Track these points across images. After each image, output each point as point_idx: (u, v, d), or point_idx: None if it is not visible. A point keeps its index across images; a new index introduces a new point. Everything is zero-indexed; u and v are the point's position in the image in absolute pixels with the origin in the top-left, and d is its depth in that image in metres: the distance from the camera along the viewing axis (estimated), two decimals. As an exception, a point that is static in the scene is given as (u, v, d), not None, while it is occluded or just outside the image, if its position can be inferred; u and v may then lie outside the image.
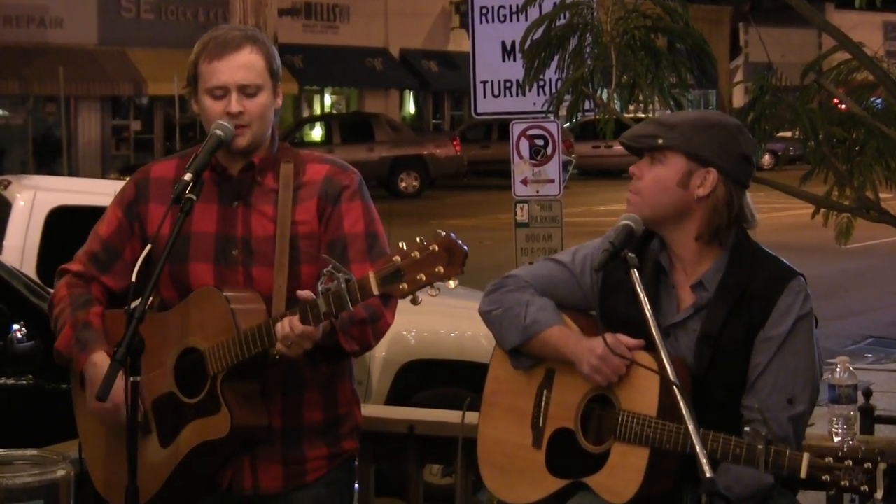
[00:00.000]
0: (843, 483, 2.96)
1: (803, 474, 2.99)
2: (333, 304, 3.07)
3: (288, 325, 3.13)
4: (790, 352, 3.23)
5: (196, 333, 3.32)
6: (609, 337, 3.22)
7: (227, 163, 3.39)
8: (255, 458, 3.39)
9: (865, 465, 2.94)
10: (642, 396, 3.21)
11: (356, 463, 3.66)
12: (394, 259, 2.97)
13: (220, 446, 3.30)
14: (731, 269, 3.28)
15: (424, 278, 2.94)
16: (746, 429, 3.10)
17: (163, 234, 3.27)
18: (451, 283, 2.97)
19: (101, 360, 3.35)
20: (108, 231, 3.51)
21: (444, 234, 2.97)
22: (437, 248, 2.94)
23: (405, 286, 2.96)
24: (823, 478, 2.97)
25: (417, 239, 2.97)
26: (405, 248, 2.97)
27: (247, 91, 3.33)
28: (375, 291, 3.00)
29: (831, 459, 2.98)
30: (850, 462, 2.95)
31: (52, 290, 5.38)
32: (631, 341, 3.24)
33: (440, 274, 2.94)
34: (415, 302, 2.99)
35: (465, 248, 2.97)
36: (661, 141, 3.26)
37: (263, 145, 3.41)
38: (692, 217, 3.28)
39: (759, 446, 3.02)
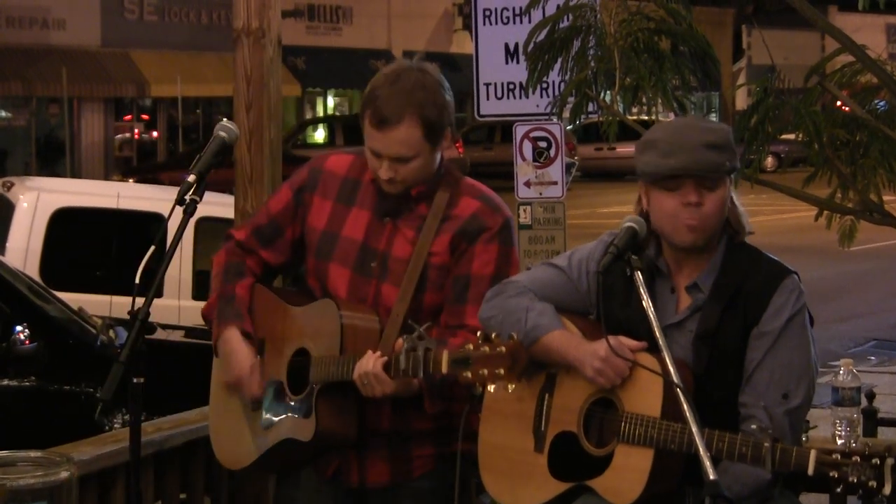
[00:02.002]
0: (850, 479, 2.96)
1: (811, 471, 2.99)
2: (411, 367, 3.18)
3: (370, 364, 3.25)
4: (784, 347, 3.25)
5: (311, 339, 3.45)
6: (612, 339, 3.23)
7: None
8: (363, 453, 3.49)
9: (873, 461, 2.94)
10: (645, 398, 3.21)
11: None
12: (467, 347, 3.08)
13: (304, 447, 3.43)
14: (726, 269, 3.31)
15: (486, 374, 3.05)
16: (753, 426, 3.11)
17: (315, 227, 3.51)
18: (509, 388, 3.10)
19: (231, 336, 3.51)
20: (277, 208, 3.62)
21: (515, 338, 3.07)
22: (504, 350, 3.04)
23: (469, 374, 3.07)
24: (831, 474, 2.97)
25: (493, 335, 3.07)
26: (481, 339, 3.07)
27: (400, 160, 3.38)
28: (444, 370, 3.12)
29: (839, 456, 2.98)
30: (858, 458, 2.96)
31: (55, 292, 5.42)
32: (634, 343, 3.25)
33: (499, 376, 3.05)
34: (474, 392, 3.18)
35: (527, 356, 3.11)
36: (728, 164, 3.26)
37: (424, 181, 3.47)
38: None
39: (766, 444, 3.02)
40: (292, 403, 3.47)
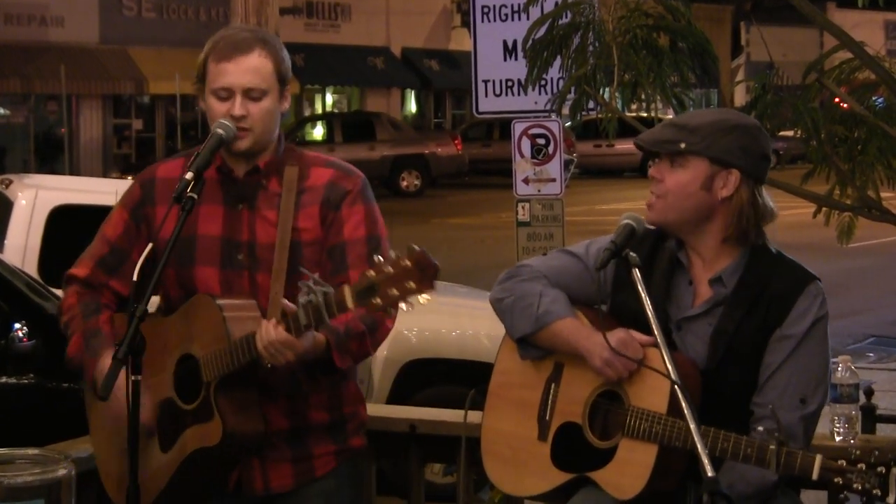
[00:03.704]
0: (855, 486, 2.95)
1: (815, 476, 2.99)
2: (312, 317, 3.07)
3: (271, 331, 3.12)
4: (805, 352, 3.24)
5: (194, 340, 3.32)
6: (621, 332, 3.22)
7: (233, 164, 3.37)
8: (264, 459, 3.39)
9: (879, 469, 2.93)
10: (652, 393, 3.20)
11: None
12: (368, 274, 2.97)
13: (214, 453, 3.29)
14: (751, 268, 3.29)
15: (397, 293, 2.93)
16: (759, 428, 3.10)
17: (163, 236, 3.26)
18: (422, 299, 2.96)
19: (108, 365, 3.30)
20: (116, 233, 3.49)
21: (417, 249, 2.96)
22: (409, 264, 2.93)
23: (378, 301, 2.96)
24: (836, 480, 2.96)
25: (392, 254, 2.97)
26: (379, 262, 2.97)
27: (252, 95, 3.32)
28: (350, 305, 3.00)
29: (844, 462, 2.97)
30: (863, 465, 2.95)
31: (53, 290, 5.38)
32: (644, 338, 3.23)
33: (412, 289, 2.93)
34: (389, 314, 3.02)
35: (437, 263, 2.96)
36: (683, 146, 3.24)
37: (269, 148, 3.39)
38: (715, 218, 3.28)
39: (771, 447, 3.01)
40: (190, 413, 3.30)
